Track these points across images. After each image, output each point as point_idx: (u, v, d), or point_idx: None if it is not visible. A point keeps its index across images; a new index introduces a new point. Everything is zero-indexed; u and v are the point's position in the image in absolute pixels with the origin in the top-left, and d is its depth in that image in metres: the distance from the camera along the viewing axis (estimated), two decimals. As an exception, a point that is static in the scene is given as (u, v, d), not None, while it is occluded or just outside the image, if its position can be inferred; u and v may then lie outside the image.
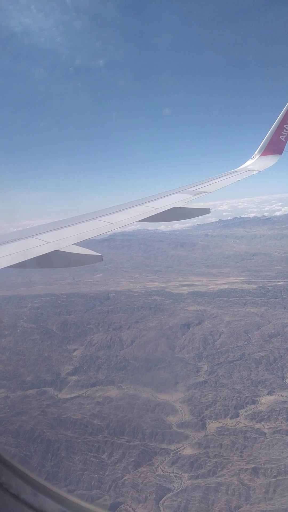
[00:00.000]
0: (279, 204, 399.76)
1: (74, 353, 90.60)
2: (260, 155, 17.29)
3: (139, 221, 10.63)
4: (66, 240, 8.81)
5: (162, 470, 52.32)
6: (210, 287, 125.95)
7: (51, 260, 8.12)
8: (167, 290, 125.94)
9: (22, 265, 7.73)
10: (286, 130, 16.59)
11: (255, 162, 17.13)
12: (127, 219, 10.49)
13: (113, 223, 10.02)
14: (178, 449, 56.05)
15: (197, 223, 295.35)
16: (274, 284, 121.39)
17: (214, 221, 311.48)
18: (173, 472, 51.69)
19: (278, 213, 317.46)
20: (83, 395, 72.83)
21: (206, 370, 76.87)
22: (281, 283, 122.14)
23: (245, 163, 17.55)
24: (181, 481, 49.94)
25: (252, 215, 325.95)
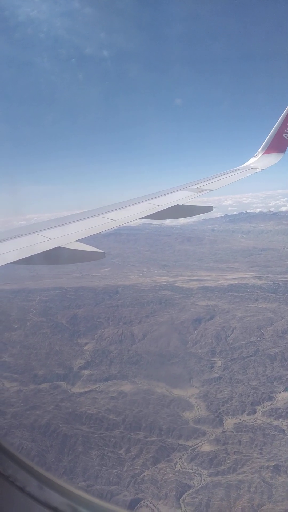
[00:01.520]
0: (284, 199, 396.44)
1: (85, 347, 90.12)
2: (264, 153, 17.37)
3: (142, 218, 10.81)
4: (69, 237, 8.84)
5: (181, 467, 51.87)
6: (220, 282, 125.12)
7: (54, 257, 8.18)
8: (176, 284, 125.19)
9: (25, 261, 7.78)
10: None
11: (258, 160, 17.25)
12: (130, 216, 10.58)
13: (115, 220, 10.07)
14: (196, 445, 55.56)
15: (202, 218, 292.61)
16: (285, 279, 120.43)
17: (220, 215, 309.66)
18: (192, 469, 51.22)
19: (284, 209, 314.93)
20: (97, 389, 72.39)
21: (220, 366, 76.26)
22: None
23: (248, 160, 17.62)
24: (201, 478, 49.47)
25: (258, 210, 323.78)
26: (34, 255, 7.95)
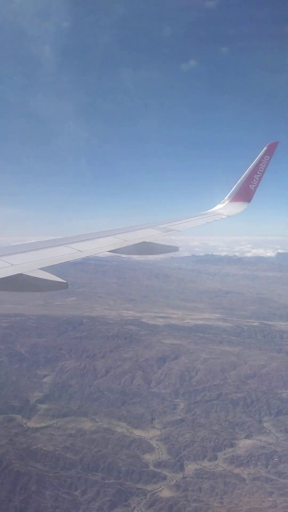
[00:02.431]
0: (249, 245, 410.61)
1: (45, 379, 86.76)
2: (230, 201, 18.21)
3: (109, 251, 10.84)
4: (32, 264, 8.67)
5: (139, 513, 49.70)
6: (185, 321, 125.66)
7: (15, 284, 8.00)
8: (142, 320, 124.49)
9: None
10: (256, 180, 17.73)
11: (225, 207, 18.03)
12: (97, 248, 10.64)
13: (82, 251, 10.07)
14: (156, 490, 53.63)
15: (170, 256, 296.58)
16: (248, 324, 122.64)
17: (187, 255, 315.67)
18: (150, 516, 49.15)
19: (248, 255, 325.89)
20: (54, 425, 69.19)
21: (183, 408, 75.27)
22: (255, 323, 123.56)
23: (215, 206, 18.43)
24: (159, 526, 47.50)
25: (224, 253, 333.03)
26: None
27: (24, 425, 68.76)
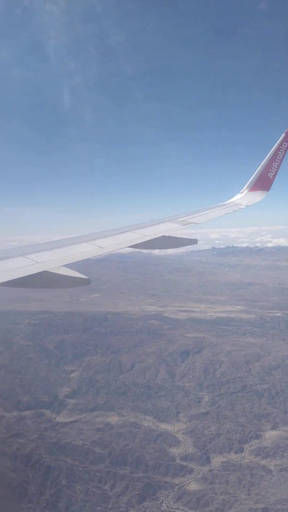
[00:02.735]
0: (269, 236, 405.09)
1: (72, 375, 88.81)
2: (249, 191, 17.91)
3: (129, 247, 10.94)
4: (56, 261, 8.89)
5: (167, 506, 50.75)
6: (208, 314, 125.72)
7: (40, 281, 8.17)
8: (165, 315, 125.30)
9: (11, 284, 7.76)
10: (274, 168, 17.35)
11: (244, 197, 17.75)
12: (117, 244, 10.77)
13: (103, 247, 10.24)
14: (183, 484, 54.58)
15: (190, 249, 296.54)
16: (272, 315, 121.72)
17: (208, 248, 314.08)
18: (178, 509, 50.13)
19: (269, 245, 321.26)
20: (82, 419, 71.02)
21: (208, 401, 75.81)
22: (278, 314, 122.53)
23: (234, 197, 18.15)
24: (187, 518, 48.45)
25: (244, 245, 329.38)
26: (19, 278, 7.91)
27: (53, 420, 70.82)
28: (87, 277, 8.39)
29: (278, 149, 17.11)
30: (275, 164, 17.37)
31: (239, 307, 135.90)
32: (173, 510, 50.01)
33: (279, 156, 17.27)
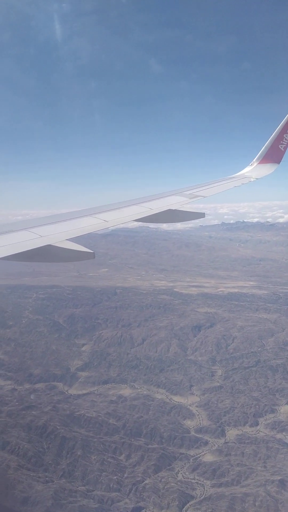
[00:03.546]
0: (281, 211, 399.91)
1: (83, 348, 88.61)
2: (259, 163, 17.58)
3: (134, 220, 10.85)
4: (60, 235, 8.85)
5: (183, 476, 50.63)
6: (219, 289, 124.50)
7: (44, 255, 8.18)
8: (175, 289, 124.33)
9: (15, 257, 7.74)
10: (286, 139, 16.74)
11: (253, 170, 17.47)
12: (122, 217, 10.66)
13: (107, 221, 10.12)
14: (198, 455, 54.39)
15: (199, 224, 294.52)
16: (285, 291, 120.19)
17: (217, 223, 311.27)
18: (194, 479, 50.00)
19: (281, 220, 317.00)
20: (95, 392, 70.96)
21: (221, 375, 75.28)
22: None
23: (243, 169, 17.83)
24: (204, 488, 48.29)
25: (255, 220, 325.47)
26: (23, 251, 7.85)
27: (66, 392, 70.80)
28: (92, 251, 8.28)
29: None
30: (286, 136, 16.68)
31: (251, 282, 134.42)
32: (189, 480, 49.89)
33: None
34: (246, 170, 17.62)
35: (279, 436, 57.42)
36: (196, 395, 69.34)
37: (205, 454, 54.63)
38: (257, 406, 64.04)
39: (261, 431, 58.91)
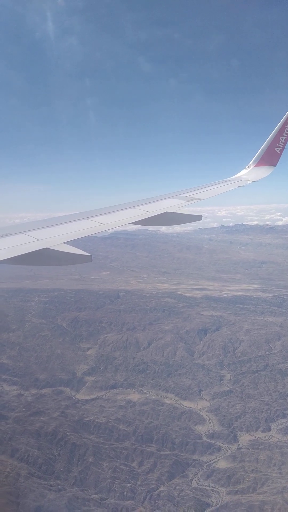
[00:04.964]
0: (278, 214, 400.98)
1: (88, 352, 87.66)
2: (255, 166, 17.59)
3: (131, 223, 10.83)
4: (57, 238, 8.84)
5: (197, 483, 49.76)
6: (223, 292, 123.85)
7: (41, 258, 8.17)
8: (178, 293, 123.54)
9: (11, 261, 7.76)
10: (282, 142, 16.83)
11: (249, 172, 17.48)
12: (119, 220, 10.62)
13: (105, 224, 10.11)
14: (212, 461, 53.52)
15: (198, 227, 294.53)
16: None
17: (216, 226, 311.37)
18: (209, 486, 49.14)
19: (280, 223, 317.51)
20: (103, 397, 70.00)
21: (230, 379, 74.50)
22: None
23: (239, 172, 17.83)
24: (219, 496, 47.43)
25: (254, 223, 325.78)
26: (20, 255, 7.86)
27: (73, 398, 69.80)
28: (89, 254, 8.26)
29: (286, 122, 16.40)
30: (282, 139, 16.76)
31: (255, 285, 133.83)
32: (204, 487, 49.02)
33: (287, 130, 16.67)
34: (243, 172, 17.68)
35: (292, 441, 56.63)
36: (206, 399, 68.50)
37: (218, 460, 53.78)
38: (268, 411, 63.28)
39: (274, 436, 58.15)
